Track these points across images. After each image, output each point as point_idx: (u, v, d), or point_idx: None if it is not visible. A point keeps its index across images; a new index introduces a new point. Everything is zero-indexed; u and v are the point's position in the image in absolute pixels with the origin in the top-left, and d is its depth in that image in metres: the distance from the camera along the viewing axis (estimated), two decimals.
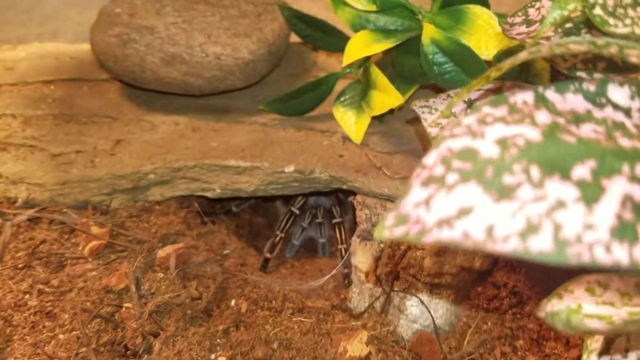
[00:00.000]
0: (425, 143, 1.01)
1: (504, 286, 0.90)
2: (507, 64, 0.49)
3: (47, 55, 1.34)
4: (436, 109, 0.74)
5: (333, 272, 1.01)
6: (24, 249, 0.93)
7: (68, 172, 1.02)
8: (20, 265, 0.90)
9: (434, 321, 0.88)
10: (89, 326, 0.84)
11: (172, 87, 1.09)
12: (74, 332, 0.83)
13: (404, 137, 1.06)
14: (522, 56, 0.50)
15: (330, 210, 1.16)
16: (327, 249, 1.16)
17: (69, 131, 1.10)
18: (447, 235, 0.41)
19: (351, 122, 1.07)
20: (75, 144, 1.07)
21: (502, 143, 0.43)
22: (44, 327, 0.84)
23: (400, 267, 0.90)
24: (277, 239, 1.09)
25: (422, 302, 0.89)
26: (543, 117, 0.45)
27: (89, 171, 1.02)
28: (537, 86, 0.52)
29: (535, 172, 0.41)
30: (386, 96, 0.98)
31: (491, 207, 0.40)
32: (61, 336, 0.83)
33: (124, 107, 1.16)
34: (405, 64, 1.05)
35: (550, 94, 0.47)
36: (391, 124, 1.09)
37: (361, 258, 0.96)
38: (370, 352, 0.85)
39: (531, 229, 0.39)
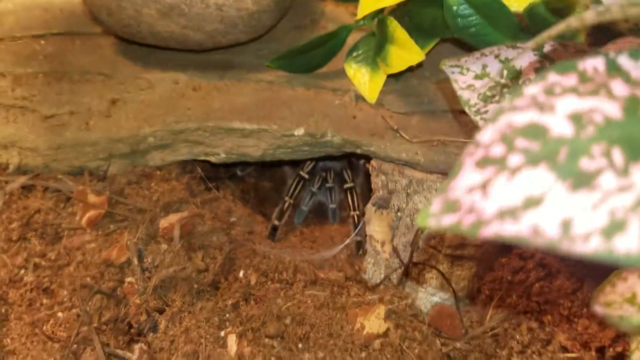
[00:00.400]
0: (455, 108, 0.94)
1: (530, 258, 0.85)
2: (575, 23, 0.42)
3: (35, 7, 1.24)
4: (468, 69, 0.67)
5: (346, 242, 0.96)
6: (17, 219, 0.87)
7: (62, 135, 0.94)
8: (14, 238, 0.84)
9: (455, 294, 0.83)
10: (89, 303, 0.79)
11: (170, 41, 1.01)
12: (74, 310, 0.78)
13: (423, 96, 0.99)
14: (590, 17, 0.42)
15: (340, 173, 1.10)
16: (338, 214, 1.10)
17: (60, 90, 1.02)
18: (511, 229, 0.34)
19: (365, 80, 1.00)
20: (68, 105, 0.99)
21: (576, 119, 0.36)
22: (41, 304, 0.78)
23: (420, 239, 0.85)
24: (286, 205, 1.03)
25: (442, 274, 0.84)
26: (619, 88, 0.38)
27: (83, 134, 0.94)
28: (601, 51, 0.45)
29: (618, 155, 0.34)
30: (405, 52, 0.90)
31: (567, 198, 0.34)
32: (60, 314, 0.78)
33: (118, 63, 1.08)
34: (425, 15, 0.97)
35: (624, 60, 0.40)
36: (408, 82, 1.02)
37: (377, 227, 0.90)
38: (388, 328, 0.80)
39: (616, 225, 0.32)
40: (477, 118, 0.66)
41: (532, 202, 0.35)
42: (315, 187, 1.08)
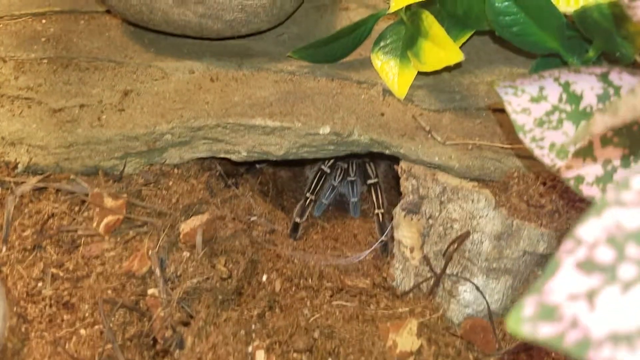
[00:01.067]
0: (509, 132, 0.88)
1: None
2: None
3: None
4: (523, 91, 0.62)
5: (373, 247, 0.92)
6: (30, 225, 0.82)
7: (73, 132, 0.89)
8: (28, 247, 0.80)
9: (489, 309, 0.81)
10: (112, 319, 0.76)
11: (185, 30, 0.94)
12: (97, 326, 0.75)
13: (455, 92, 0.94)
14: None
15: (363, 166, 1.05)
16: (359, 208, 1.06)
17: (68, 79, 0.96)
18: (626, 359, 0.31)
19: (393, 74, 0.94)
20: (77, 97, 0.93)
21: None
22: (62, 320, 0.75)
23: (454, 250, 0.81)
24: (307, 201, 0.99)
25: (477, 288, 0.81)
26: None
27: (96, 131, 0.89)
28: None
29: None
30: (442, 50, 0.84)
31: None
32: (82, 331, 0.75)
33: (128, 49, 1.01)
34: (460, 4, 0.90)
35: None
36: (439, 75, 0.96)
37: (406, 232, 0.87)
38: (421, 345, 0.78)
39: None
40: (533, 146, 0.61)
41: None
42: (336, 181, 1.04)
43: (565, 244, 0.36)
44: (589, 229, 0.35)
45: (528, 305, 0.35)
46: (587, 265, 0.34)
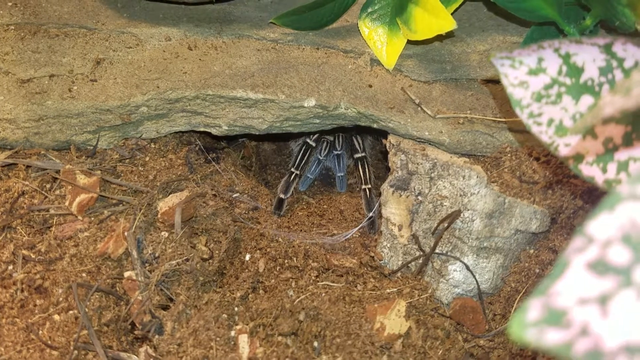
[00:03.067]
0: (501, 104, 0.84)
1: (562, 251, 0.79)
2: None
3: None
4: (521, 62, 0.58)
5: (360, 226, 0.89)
6: (0, 204, 0.78)
7: (42, 104, 0.84)
8: None
9: (479, 289, 0.79)
10: (87, 303, 0.72)
11: None
12: (71, 312, 0.72)
13: (446, 62, 0.89)
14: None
15: (349, 139, 1.01)
16: (345, 183, 1.02)
17: (37, 47, 0.90)
18: None
19: (382, 42, 0.89)
20: (46, 66, 0.87)
21: None
22: (35, 305, 0.72)
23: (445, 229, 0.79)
24: (292, 177, 0.95)
25: (467, 267, 0.78)
26: None
27: (67, 103, 0.84)
28: None
29: None
30: (433, 18, 0.80)
31: None
32: (56, 316, 0.71)
33: (100, 14, 0.95)
34: None
35: None
36: (430, 44, 0.91)
37: (394, 210, 0.84)
38: (410, 328, 0.76)
39: None
40: (530, 122, 0.58)
41: None
42: (322, 155, 1.00)
43: (574, 241, 0.32)
44: (601, 225, 0.32)
45: (533, 308, 0.32)
46: (599, 266, 0.31)
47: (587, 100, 0.57)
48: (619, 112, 0.38)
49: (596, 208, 0.32)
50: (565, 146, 0.57)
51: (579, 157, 0.56)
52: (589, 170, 0.56)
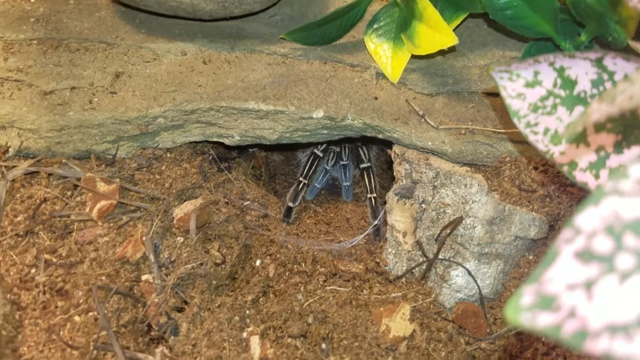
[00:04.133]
0: (501, 116, 0.88)
1: None
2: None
3: None
4: (518, 75, 0.62)
5: (366, 233, 0.93)
6: (22, 210, 0.82)
7: (64, 115, 0.88)
8: (21, 232, 0.80)
9: (480, 294, 0.82)
10: (107, 305, 0.76)
11: (177, 11, 0.92)
12: (91, 313, 0.75)
13: (448, 75, 0.93)
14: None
15: (355, 150, 1.05)
16: (352, 192, 1.06)
17: (59, 61, 0.94)
18: (624, 350, 0.31)
19: (387, 57, 0.93)
20: (68, 79, 0.92)
21: None
22: (56, 307, 0.75)
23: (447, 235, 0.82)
24: (300, 186, 0.99)
25: (469, 273, 0.82)
26: None
27: (88, 114, 0.88)
28: None
29: None
30: (436, 33, 0.84)
31: None
32: (77, 318, 0.75)
33: (119, 29, 0.99)
34: None
35: None
36: (433, 58, 0.96)
37: (398, 217, 0.87)
38: (414, 330, 0.79)
39: None
40: (528, 131, 0.61)
41: None
42: (329, 165, 1.04)
43: (563, 232, 0.36)
44: (588, 218, 0.35)
45: (527, 294, 0.35)
46: (586, 255, 0.35)
47: (580, 110, 0.61)
48: (605, 117, 0.42)
49: (583, 203, 0.36)
50: (560, 154, 0.61)
51: (572, 164, 0.60)
52: (583, 177, 0.60)
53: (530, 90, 0.62)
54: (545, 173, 0.83)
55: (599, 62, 0.60)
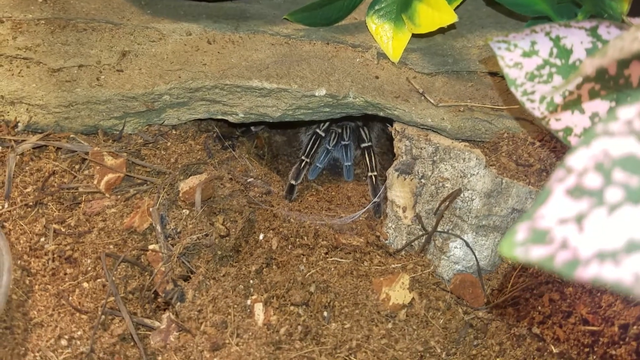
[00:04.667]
0: (502, 95, 0.90)
1: None
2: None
3: None
4: (516, 45, 0.64)
5: (367, 208, 0.95)
6: (32, 182, 0.84)
7: (72, 91, 0.90)
8: (30, 203, 0.82)
9: (478, 265, 0.84)
10: (114, 272, 0.78)
11: None
12: (99, 280, 0.77)
13: (448, 56, 0.96)
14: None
15: (357, 130, 1.07)
16: (352, 172, 1.08)
17: (66, 40, 0.96)
18: (612, 274, 0.34)
19: (388, 37, 0.95)
20: (75, 57, 0.94)
21: None
22: (65, 274, 0.77)
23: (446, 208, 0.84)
24: (303, 164, 1.01)
25: (467, 244, 0.84)
26: None
27: (95, 91, 0.90)
28: None
29: None
30: (436, 12, 0.86)
31: None
32: (85, 284, 0.77)
33: (125, 10, 1.02)
34: None
35: None
36: (432, 39, 0.98)
37: (398, 192, 0.90)
38: (413, 299, 0.81)
39: None
40: (524, 99, 0.64)
41: (634, 247, 0.33)
42: (330, 145, 1.06)
43: (556, 173, 0.38)
44: (579, 158, 0.38)
45: (521, 231, 0.38)
46: (577, 192, 0.37)
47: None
48: (596, 69, 0.44)
49: (574, 146, 0.38)
50: (556, 120, 0.63)
51: (568, 130, 0.62)
52: (577, 142, 0.62)
53: (527, 59, 0.64)
54: (542, 148, 0.85)
55: (593, 31, 0.62)
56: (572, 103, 0.62)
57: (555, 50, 0.63)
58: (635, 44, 0.39)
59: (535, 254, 0.36)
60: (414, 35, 0.94)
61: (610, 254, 0.34)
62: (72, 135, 0.89)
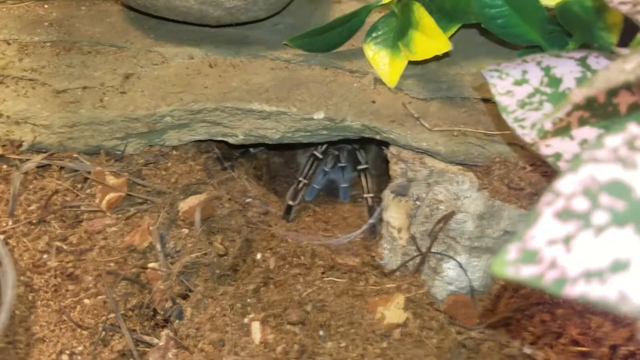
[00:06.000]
0: (494, 121, 0.93)
1: None
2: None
3: None
4: (507, 74, 0.67)
5: (363, 228, 0.97)
6: (35, 201, 0.86)
7: (76, 112, 0.92)
8: (34, 221, 0.83)
9: (471, 285, 0.86)
10: (115, 289, 0.79)
11: (186, 16, 0.97)
12: (100, 297, 0.79)
13: (442, 82, 0.99)
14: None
15: (353, 153, 1.10)
16: (349, 194, 1.10)
17: (71, 62, 0.99)
18: (598, 292, 0.36)
19: (385, 63, 0.99)
20: (80, 79, 0.96)
21: None
22: (67, 290, 0.78)
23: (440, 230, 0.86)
24: (300, 185, 1.03)
25: (460, 265, 0.86)
26: None
27: (99, 112, 0.92)
28: None
29: None
30: (431, 40, 0.89)
31: None
32: (86, 301, 0.78)
33: (129, 34, 1.04)
34: None
35: None
36: (427, 66, 1.01)
37: (394, 214, 0.92)
38: (407, 318, 0.83)
39: None
40: (515, 125, 0.66)
41: (619, 266, 0.36)
42: (328, 167, 1.08)
43: (545, 196, 0.40)
44: (567, 182, 0.40)
45: (511, 251, 0.40)
46: (565, 214, 0.39)
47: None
48: (584, 98, 0.47)
49: (562, 172, 0.41)
50: (546, 146, 0.65)
51: (557, 156, 0.65)
52: (566, 168, 0.65)
53: (518, 87, 0.67)
54: (533, 172, 0.88)
55: (583, 61, 0.65)
56: (562, 130, 0.65)
57: (545, 79, 0.66)
58: (622, 75, 0.42)
59: (525, 272, 0.38)
60: (409, 62, 0.97)
61: (597, 273, 0.36)
62: (75, 155, 0.91)
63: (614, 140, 0.40)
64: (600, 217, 0.37)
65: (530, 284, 0.38)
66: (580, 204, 0.38)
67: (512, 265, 0.39)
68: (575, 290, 0.36)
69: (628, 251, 0.36)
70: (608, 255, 0.36)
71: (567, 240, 0.38)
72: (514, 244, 0.40)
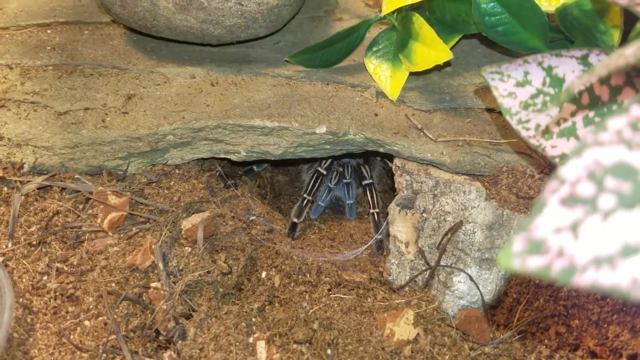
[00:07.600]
0: (500, 130, 0.92)
1: None
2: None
3: None
4: (509, 76, 0.66)
5: (369, 243, 0.95)
6: (36, 222, 0.84)
7: (78, 133, 0.92)
8: (34, 242, 0.82)
9: (482, 299, 0.83)
10: (116, 310, 0.77)
11: (187, 36, 0.98)
12: (100, 318, 0.77)
13: (445, 93, 0.98)
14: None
15: (358, 169, 1.08)
16: (354, 210, 1.09)
17: (73, 84, 0.99)
18: (609, 279, 0.34)
19: (386, 76, 0.98)
20: (82, 100, 0.96)
21: None
22: (67, 312, 0.77)
23: (448, 242, 0.84)
24: (305, 202, 1.02)
25: (471, 278, 0.83)
26: None
27: (100, 132, 0.92)
28: None
29: None
30: (432, 50, 0.88)
31: None
32: (87, 322, 0.76)
33: (131, 56, 1.05)
34: (448, 9, 0.95)
35: None
36: (429, 78, 1.00)
37: (401, 227, 0.90)
38: (418, 334, 0.80)
39: None
40: (519, 127, 0.65)
41: (629, 251, 0.34)
42: (332, 183, 1.07)
43: (549, 184, 0.39)
44: (571, 168, 0.38)
45: (517, 242, 0.38)
46: (570, 201, 0.37)
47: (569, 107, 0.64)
48: (586, 85, 0.45)
49: (566, 158, 0.39)
50: (551, 148, 0.64)
51: (564, 157, 0.63)
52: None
53: (520, 89, 0.66)
54: (542, 180, 0.85)
55: (584, 59, 0.63)
56: (568, 131, 0.63)
57: (548, 80, 0.65)
58: (621, 60, 0.40)
59: (532, 264, 0.36)
60: (411, 74, 0.96)
61: (607, 259, 0.34)
62: (76, 176, 0.90)
63: (617, 122, 0.38)
64: (607, 201, 0.35)
65: (539, 276, 0.36)
66: (586, 189, 0.36)
67: (518, 257, 0.37)
68: (585, 279, 0.34)
69: (638, 234, 0.34)
70: (617, 240, 0.34)
71: (574, 227, 0.36)
72: (520, 234, 0.38)
